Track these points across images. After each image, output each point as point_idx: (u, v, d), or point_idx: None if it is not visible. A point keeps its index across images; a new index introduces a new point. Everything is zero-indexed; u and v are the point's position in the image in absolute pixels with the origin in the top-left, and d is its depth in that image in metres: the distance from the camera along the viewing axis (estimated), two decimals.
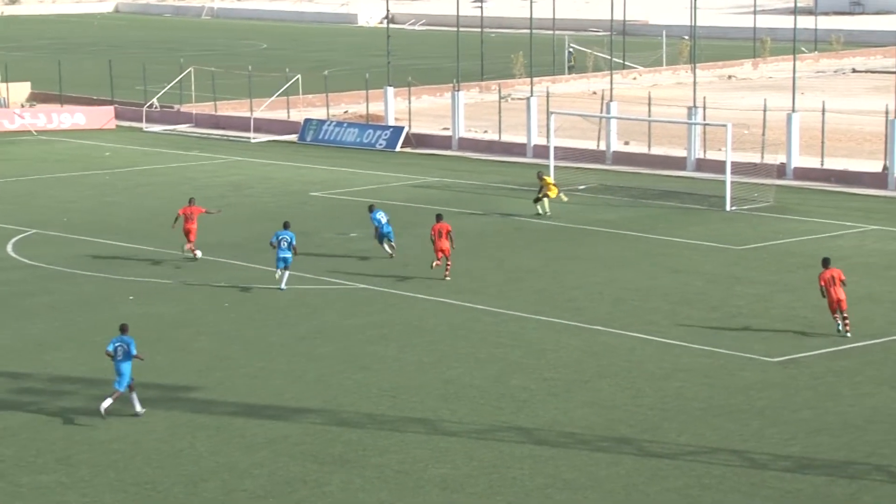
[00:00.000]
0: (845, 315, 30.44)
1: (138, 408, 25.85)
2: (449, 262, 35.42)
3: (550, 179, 45.52)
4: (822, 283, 30.46)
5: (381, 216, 38.59)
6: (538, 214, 44.47)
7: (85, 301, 34.29)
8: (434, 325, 31.92)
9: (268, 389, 27.30)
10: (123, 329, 26.37)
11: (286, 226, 36.01)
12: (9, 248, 40.44)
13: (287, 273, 35.37)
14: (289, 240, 35.27)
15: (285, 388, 27.46)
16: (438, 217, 36.18)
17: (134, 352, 25.83)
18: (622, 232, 42.16)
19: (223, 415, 25.79)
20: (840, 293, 30.34)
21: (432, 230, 35.86)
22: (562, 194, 45.52)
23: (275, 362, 29.16)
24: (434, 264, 35.54)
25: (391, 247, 38.58)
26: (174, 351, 30.05)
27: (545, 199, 44.59)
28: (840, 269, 31.18)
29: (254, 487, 22.47)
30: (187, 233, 38.19)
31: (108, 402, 25.64)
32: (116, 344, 25.85)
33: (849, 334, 30.53)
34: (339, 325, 32.05)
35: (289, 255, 35.21)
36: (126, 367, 25.72)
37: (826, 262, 30.91)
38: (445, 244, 35.48)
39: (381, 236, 38.65)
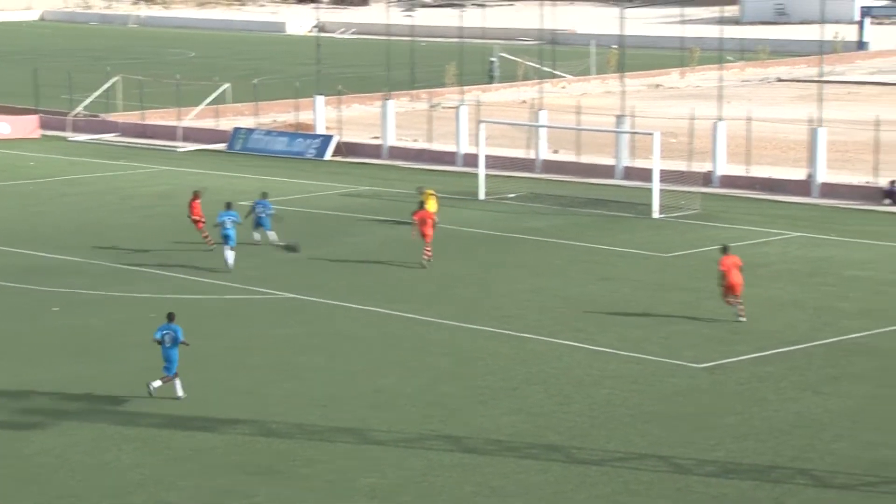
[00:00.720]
0: (740, 300, 31.69)
1: (180, 393, 27.01)
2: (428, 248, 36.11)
3: (431, 191, 42.53)
4: (724, 269, 31.81)
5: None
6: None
7: (8, 312, 33.88)
8: (364, 333, 31.88)
9: (196, 401, 27.11)
10: (171, 317, 27.57)
11: (229, 206, 37.84)
12: None
13: (234, 253, 37.29)
14: (233, 219, 37.28)
15: (214, 398, 27.30)
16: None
17: (181, 338, 27.10)
18: (551, 240, 42.34)
19: (149, 427, 25.59)
20: (738, 277, 31.82)
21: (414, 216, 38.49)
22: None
23: (203, 373, 28.95)
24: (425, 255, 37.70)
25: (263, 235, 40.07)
26: (100, 362, 29.77)
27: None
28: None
29: (181, 499, 22.31)
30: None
31: (157, 384, 26.98)
32: (164, 332, 27.15)
33: (743, 318, 31.65)
34: (268, 334, 31.91)
35: (233, 232, 37.15)
36: (174, 354, 27.02)
37: (725, 249, 32.32)
38: (429, 230, 37.81)
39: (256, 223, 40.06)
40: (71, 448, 24.48)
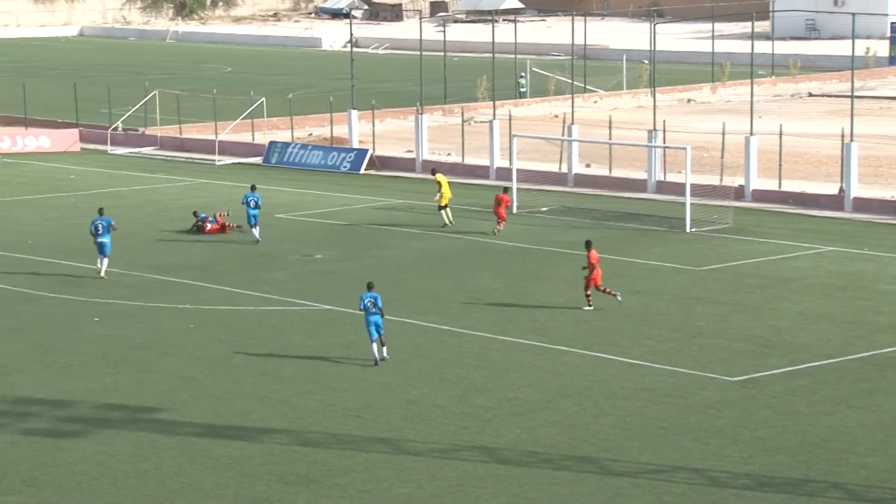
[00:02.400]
0: (604, 288, 34.49)
1: (385, 354, 30.13)
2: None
3: (443, 178, 46.39)
4: (594, 262, 34.53)
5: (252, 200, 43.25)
6: (444, 226, 45.49)
7: (50, 323, 34.11)
8: (398, 345, 31.93)
9: (233, 410, 27.22)
10: (371, 286, 30.37)
11: (101, 212, 39.68)
12: None
13: (106, 259, 38.69)
14: (105, 224, 38.78)
15: (250, 408, 27.40)
16: (505, 189, 44.97)
17: (381, 304, 30.00)
18: (584, 253, 42.19)
19: (188, 435, 25.70)
20: (600, 271, 34.70)
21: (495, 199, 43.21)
22: (446, 212, 46.10)
23: (240, 383, 29.08)
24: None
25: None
26: (139, 372, 29.93)
27: (448, 210, 45.85)
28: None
29: None
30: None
31: (376, 351, 30.04)
32: (367, 300, 29.90)
33: (619, 296, 34.69)
34: (304, 345, 32.01)
35: (107, 239, 38.58)
36: (378, 319, 29.88)
37: (589, 245, 35.16)
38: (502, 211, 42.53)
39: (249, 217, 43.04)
40: (111, 456, 24.60)
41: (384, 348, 30.44)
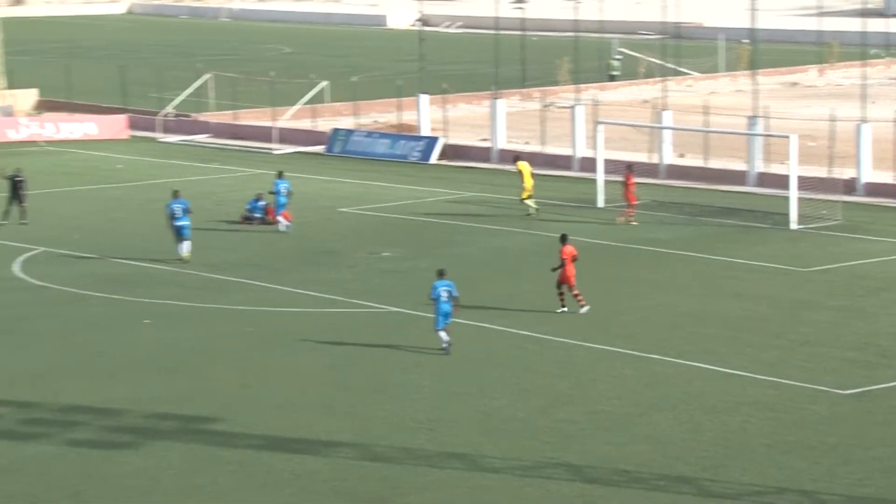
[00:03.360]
0: (575, 291, 34.40)
1: (445, 343, 31.13)
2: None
3: (526, 167, 47.36)
4: (566, 257, 34.35)
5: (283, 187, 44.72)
6: (529, 214, 46.69)
7: (96, 325, 34.47)
8: (473, 351, 31.91)
9: (295, 421, 27.34)
10: (442, 273, 31.41)
11: (176, 194, 41.50)
12: (16, 267, 40.71)
13: (188, 242, 40.53)
14: (183, 207, 40.61)
15: (314, 419, 27.50)
16: (629, 167, 46.26)
17: (456, 294, 30.97)
18: (677, 252, 42.08)
19: (246, 448, 25.84)
20: (573, 269, 34.46)
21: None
22: (530, 201, 47.38)
23: (302, 392, 29.21)
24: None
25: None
26: (193, 379, 30.16)
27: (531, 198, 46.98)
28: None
29: None
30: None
31: (445, 341, 31.10)
32: (442, 289, 30.95)
33: (584, 309, 34.33)
34: (370, 351, 32.10)
35: (186, 222, 40.48)
36: (449, 308, 30.82)
37: (565, 239, 34.85)
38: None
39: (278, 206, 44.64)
40: (163, 470, 24.79)
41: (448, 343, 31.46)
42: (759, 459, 25.26)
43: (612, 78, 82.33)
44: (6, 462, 25.09)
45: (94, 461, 25.28)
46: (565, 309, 34.64)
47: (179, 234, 40.92)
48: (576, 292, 34.55)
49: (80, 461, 25.23)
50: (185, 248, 40.77)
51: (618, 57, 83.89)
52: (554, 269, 34.82)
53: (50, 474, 24.66)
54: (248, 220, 46.44)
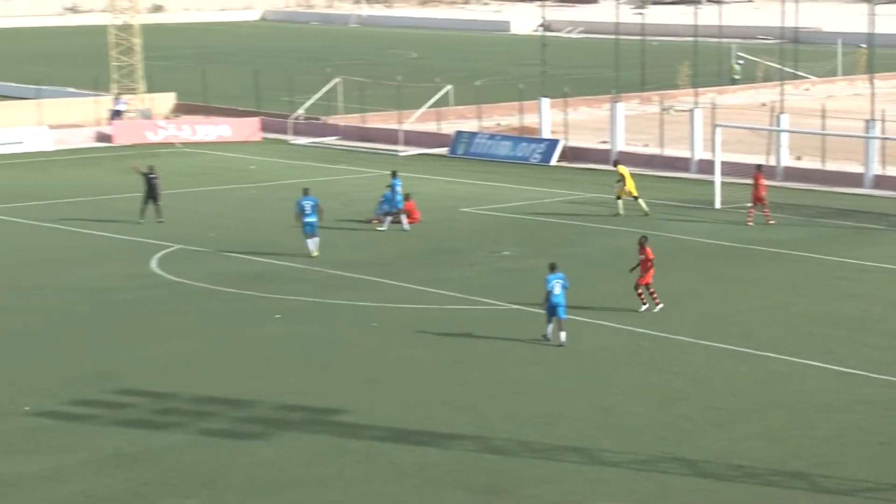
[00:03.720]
0: (652, 290, 34.73)
1: (563, 339, 31.58)
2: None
3: (626, 171, 48.04)
4: (650, 258, 34.61)
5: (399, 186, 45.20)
6: (617, 214, 47.12)
7: (230, 319, 34.90)
8: (590, 348, 31.82)
9: (417, 414, 27.47)
10: (554, 267, 32.17)
11: (306, 192, 42.10)
12: (153, 264, 41.39)
13: (316, 238, 41.03)
14: (312, 204, 41.08)
15: (435, 412, 27.60)
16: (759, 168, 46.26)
17: (567, 285, 31.84)
18: (794, 253, 41.55)
19: (372, 440, 26.00)
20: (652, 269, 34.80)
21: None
22: (641, 201, 47.63)
23: (424, 386, 29.34)
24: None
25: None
26: (321, 372, 30.43)
27: (622, 199, 47.42)
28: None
29: None
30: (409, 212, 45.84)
31: (551, 331, 31.91)
32: (555, 281, 31.75)
33: (660, 306, 34.56)
34: (490, 347, 32.13)
35: (314, 219, 41.07)
36: (562, 299, 31.68)
37: (644, 241, 35.04)
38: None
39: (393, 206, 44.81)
40: (292, 460, 25.04)
41: (562, 333, 31.73)
42: (874, 457, 24.86)
43: (734, 81, 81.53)
44: (141, 450, 25.52)
45: (225, 450, 25.59)
46: (646, 306, 34.76)
47: (308, 231, 41.40)
48: (652, 290, 34.90)
49: (212, 450, 25.57)
50: (313, 244, 41.32)
51: (739, 61, 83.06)
52: (632, 269, 35.26)
53: (183, 462, 25.02)
54: (387, 214, 46.20)
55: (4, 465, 24.81)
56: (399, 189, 45.95)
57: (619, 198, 47.81)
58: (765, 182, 46.12)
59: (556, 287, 31.69)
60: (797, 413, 27.26)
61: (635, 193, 47.58)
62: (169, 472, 24.53)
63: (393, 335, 33.25)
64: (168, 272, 40.22)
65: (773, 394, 28.43)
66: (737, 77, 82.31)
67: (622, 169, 48.11)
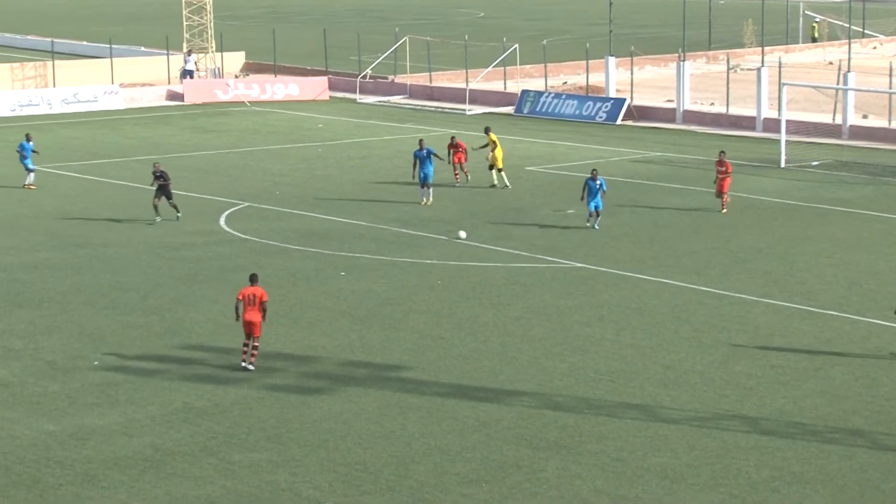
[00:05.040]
0: (726, 198, 40.31)
1: (596, 225, 37.64)
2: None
3: (495, 137, 45.75)
4: (728, 170, 40.66)
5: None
6: (493, 185, 45.52)
7: (296, 276, 35.06)
8: (654, 306, 31.67)
9: (480, 371, 27.49)
10: (594, 174, 38.53)
11: (421, 143, 43.16)
12: (222, 221, 41.63)
13: (430, 189, 42.49)
14: (427, 154, 42.31)
15: (499, 369, 27.62)
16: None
17: (605, 189, 38.95)
18: (858, 211, 41.09)
19: (435, 396, 26.07)
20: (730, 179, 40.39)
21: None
22: (503, 174, 45.51)
23: (488, 343, 29.34)
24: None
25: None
26: (385, 329, 30.51)
27: (499, 171, 45.35)
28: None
29: (466, 471, 22.67)
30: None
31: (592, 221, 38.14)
32: (594, 185, 38.36)
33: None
34: (554, 305, 32.07)
35: (430, 169, 42.35)
36: (600, 201, 38.43)
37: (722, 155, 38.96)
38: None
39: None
40: (356, 415, 25.16)
41: (598, 219, 38.28)
42: None
43: (815, 40, 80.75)
44: (210, 405, 25.74)
45: (292, 405, 25.75)
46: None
47: (424, 181, 42.50)
48: (726, 198, 40.45)
49: (278, 405, 25.74)
50: (426, 194, 42.70)
51: (817, 20, 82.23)
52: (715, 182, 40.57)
53: (250, 417, 25.20)
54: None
55: (75, 418, 25.11)
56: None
57: (492, 167, 45.70)
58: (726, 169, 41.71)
59: (597, 188, 38.20)
60: (858, 371, 27.02)
61: (500, 165, 45.21)
62: (236, 427, 24.72)
63: (457, 293, 33.26)
64: (236, 230, 40.45)
65: (835, 352, 28.17)
66: (817, 37, 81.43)
67: (493, 136, 45.62)
